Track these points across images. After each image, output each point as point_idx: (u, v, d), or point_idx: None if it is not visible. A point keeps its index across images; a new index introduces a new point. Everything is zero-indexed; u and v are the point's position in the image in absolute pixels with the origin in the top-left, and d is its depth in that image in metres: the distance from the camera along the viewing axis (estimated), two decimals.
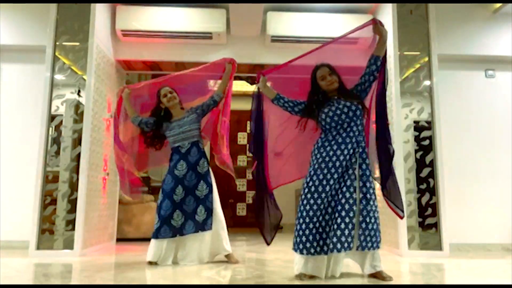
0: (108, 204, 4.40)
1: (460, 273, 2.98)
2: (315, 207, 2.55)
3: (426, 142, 3.95)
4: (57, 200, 3.73)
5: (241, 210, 7.59)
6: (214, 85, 3.66)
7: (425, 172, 3.91)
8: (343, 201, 2.53)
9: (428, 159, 3.92)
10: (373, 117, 2.80)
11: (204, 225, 3.18)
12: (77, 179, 3.72)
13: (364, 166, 2.62)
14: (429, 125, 3.97)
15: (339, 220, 2.49)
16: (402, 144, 3.92)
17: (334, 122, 2.65)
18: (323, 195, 2.55)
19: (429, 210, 3.84)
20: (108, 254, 3.89)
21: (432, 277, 2.84)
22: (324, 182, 2.56)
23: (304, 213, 2.57)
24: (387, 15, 4.18)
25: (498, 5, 4.39)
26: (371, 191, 2.58)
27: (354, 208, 2.52)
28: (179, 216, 3.18)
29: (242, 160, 7.70)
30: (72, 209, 3.71)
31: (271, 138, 3.02)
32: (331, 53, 2.85)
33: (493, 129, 4.52)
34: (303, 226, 2.56)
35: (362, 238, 2.52)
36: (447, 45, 4.41)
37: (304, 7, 4.56)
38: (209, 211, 3.21)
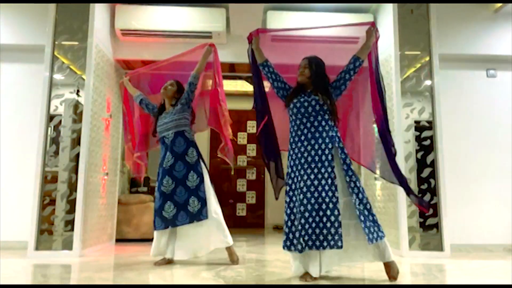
0: (107, 204, 4.38)
1: (461, 274, 2.97)
2: (293, 204, 2.60)
3: (427, 142, 3.93)
4: (56, 201, 3.72)
5: (241, 210, 7.57)
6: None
7: (426, 172, 3.89)
8: (326, 199, 2.51)
9: (429, 159, 3.90)
10: (374, 117, 2.81)
11: (199, 215, 3.15)
12: (76, 179, 3.70)
13: (347, 161, 2.62)
14: (430, 125, 3.95)
15: (324, 219, 2.49)
16: (403, 144, 3.90)
17: (300, 113, 2.68)
18: (299, 192, 2.57)
19: (430, 211, 3.82)
20: (108, 254, 3.87)
21: (433, 278, 2.82)
22: (299, 178, 2.59)
23: (288, 211, 2.63)
24: (387, 14, 4.16)
25: (499, 4, 4.37)
26: (358, 185, 2.58)
27: (338, 206, 2.51)
28: (171, 207, 3.17)
29: (242, 160, 7.67)
30: (71, 209, 3.68)
31: (273, 100, 3.00)
32: (325, 49, 2.89)
33: (494, 129, 4.49)
34: (288, 223, 2.62)
35: (367, 231, 2.49)
36: (448, 45, 4.40)
37: (304, 7, 4.55)
38: (203, 201, 3.18)
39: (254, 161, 7.67)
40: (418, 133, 3.96)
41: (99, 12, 4.03)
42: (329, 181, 2.54)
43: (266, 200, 7.67)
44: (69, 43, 3.88)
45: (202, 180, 3.23)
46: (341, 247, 2.46)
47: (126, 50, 4.55)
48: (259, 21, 4.42)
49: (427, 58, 4.03)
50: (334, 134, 2.66)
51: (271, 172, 2.89)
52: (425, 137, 3.95)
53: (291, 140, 2.73)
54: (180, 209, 3.17)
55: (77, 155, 3.74)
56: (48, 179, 3.73)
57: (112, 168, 4.51)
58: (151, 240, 4.87)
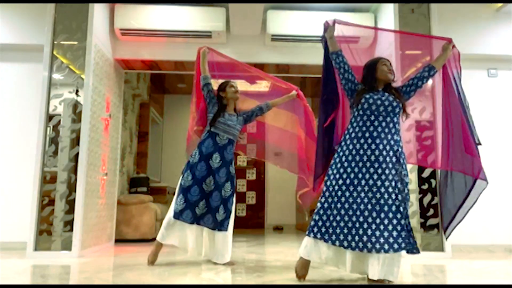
0: (106, 204, 4.36)
1: (462, 274, 2.95)
2: (349, 199, 2.45)
3: (428, 142, 3.91)
4: (55, 201, 3.70)
5: (241, 210, 7.56)
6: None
7: (426, 172, 3.88)
8: (389, 201, 2.42)
9: (430, 159, 3.88)
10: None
11: (221, 226, 3.16)
12: (75, 179, 3.68)
13: (404, 167, 2.56)
14: (431, 125, 3.93)
15: (386, 221, 2.38)
16: (403, 144, 3.86)
17: (370, 110, 2.57)
18: (358, 188, 2.45)
19: (431, 211, 3.80)
20: (107, 255, 3.85)
21: (434, 278, 2.81)
22: (358, 176, 2.47)
23: (336, 200, 2.47)
24: (388, 14, 4.15)
25: (500, 4, 4.35)
26: (406, 195, 2.53)
27: (401, 209, 2.43)
28: (204, 206, 3.15)
29: (242, 160, 7.67)
30: (70, 209, 3.67)
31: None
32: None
33: (495, 129, 4.48)
34: (325, 212, 2.47)
35: (391, 240, 2.45)
36: None
37: (305, 6, 4.53)
38: (228, 213, 3.20)
39: (254, 161, 7.66)
40: (419, 133, 3.94)
41: (98, 11, 4.02)
42: (393, 183, 2.46)
43: (266, 200, 7.67)
44: (68, 43, 3.87)
45: (233, 194, 3.27)
46: (388, 251, 2.35)
47: (126, 49, 4.54)
48: (259, 21, 4.42)
49: (428, 58, 4.01)
50: (398, 138, 2.60)
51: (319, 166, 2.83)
52: (426, 136, 3.92)
53: (348, 136, 2.61)
54: (209, 212, 3.17)
55: (76, 155, 3.72)
56: (47, 179, 3.72)
57: (111, 168, 4.49)
58: (150, 240, 4.90)
